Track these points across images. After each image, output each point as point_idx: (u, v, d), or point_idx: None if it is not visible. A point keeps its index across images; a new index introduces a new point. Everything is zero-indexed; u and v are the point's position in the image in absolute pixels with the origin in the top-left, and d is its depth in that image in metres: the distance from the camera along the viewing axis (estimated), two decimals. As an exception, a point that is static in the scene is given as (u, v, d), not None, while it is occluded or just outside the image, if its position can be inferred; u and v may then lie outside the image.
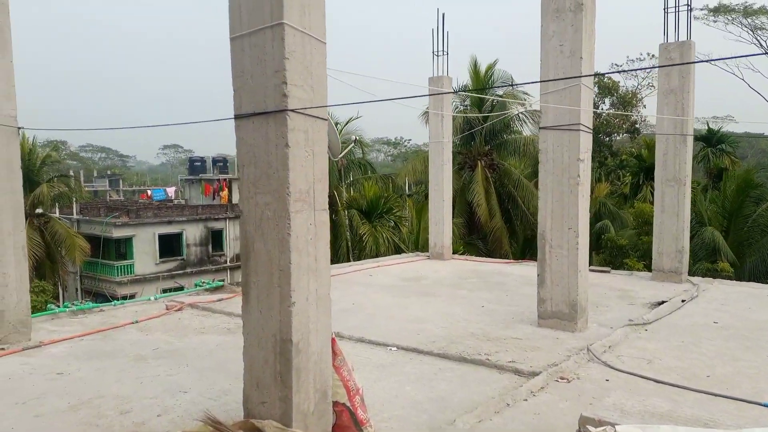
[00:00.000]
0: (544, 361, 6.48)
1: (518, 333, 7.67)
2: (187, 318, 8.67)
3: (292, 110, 4.03)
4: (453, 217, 15.95)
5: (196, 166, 53.47)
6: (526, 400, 5.41)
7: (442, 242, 14.53)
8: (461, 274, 12.33)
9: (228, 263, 39.50)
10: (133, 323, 8.25)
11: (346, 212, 28.51)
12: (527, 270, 12.61)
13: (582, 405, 5.28)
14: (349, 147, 27.42)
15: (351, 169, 32.75)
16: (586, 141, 8.03)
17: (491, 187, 27.55)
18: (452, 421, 4.86)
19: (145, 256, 35.84)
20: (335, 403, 4.60)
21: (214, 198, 47.87)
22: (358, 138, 31.04)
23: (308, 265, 4.29)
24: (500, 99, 28.39)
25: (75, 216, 37.50)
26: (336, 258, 25.76)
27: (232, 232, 39.71)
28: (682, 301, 9.49)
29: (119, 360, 6.64)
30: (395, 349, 7.06)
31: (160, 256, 36.53)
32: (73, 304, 9.30)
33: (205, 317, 8.73)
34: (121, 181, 74.48)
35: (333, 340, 4.65)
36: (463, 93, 27.14)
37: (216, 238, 39.57)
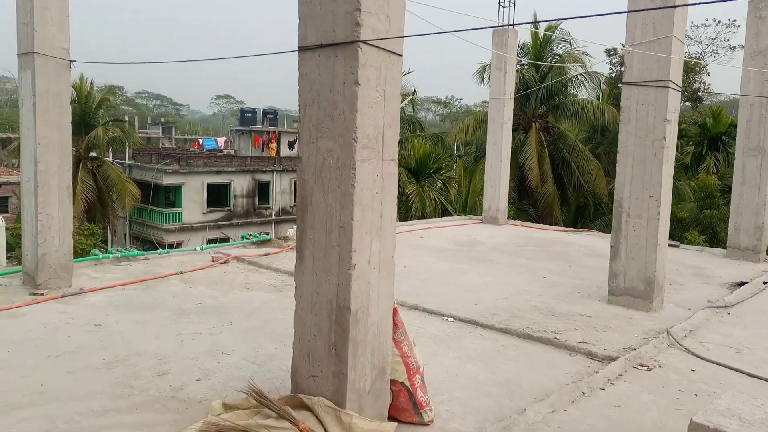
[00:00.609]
0: (618, 343, 5.85)
1: (586, 309, 7.02)
2: (233, 271, 8.29)
3: (365, 42, 3.42)
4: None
5: (246, 117, 53.45)
6: (603, 388, 4.81)
7: (498, 206, 13.79)
8: (518, 241, 11.65)
9: (273, 216, 39.42)
10: (177, 274, 7.91)
11: (394, 170, 27.79)
12: (589, 240, 11.87)
13: (668, 398, 4.67)
14: (408, 98, 26.49)
15: (401, 126, 31.91)
16: (674, 100, 7.23)
17: (545, 151, 26.40)
18: (522, 409, 4.30)
19: (193, 204, 35.93)
20: (392, 382, 4.09)
21: (263, 150, 47.75)
22: (415, 90, 30.09)
23: (372, 223, 3.72)
24: (559, 57, 27.03)
25: (127, 161, 37.76)
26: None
27: (278, 185, 39.54)
28: (764, 282, 8.67)
29: (160, 313, 6.27)
30: (452, 320, 6.51)
31: (208, 206, 36.56)
32: (117, 250, 8.98)
33: (251, 272, 8.33)
34: (174, 129, 75.30)
35: (395, 310, 4.11)
36: (529, 24, 25.27)
37: (263, 191, 39.37)
